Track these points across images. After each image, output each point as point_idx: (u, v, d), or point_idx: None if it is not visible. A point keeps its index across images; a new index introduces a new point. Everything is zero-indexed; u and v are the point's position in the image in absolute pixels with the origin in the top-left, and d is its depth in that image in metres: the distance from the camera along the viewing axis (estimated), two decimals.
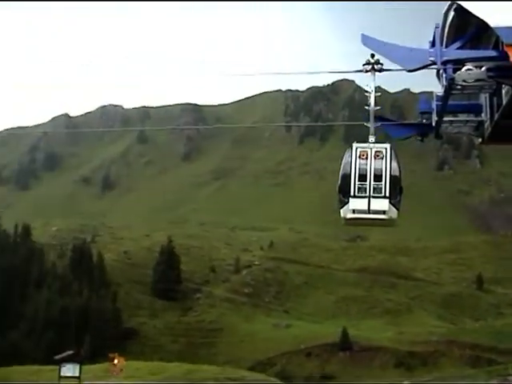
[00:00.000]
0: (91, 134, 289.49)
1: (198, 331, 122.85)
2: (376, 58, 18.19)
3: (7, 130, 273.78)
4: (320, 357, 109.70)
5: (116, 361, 61.61)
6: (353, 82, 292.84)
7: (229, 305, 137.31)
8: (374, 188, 17.56)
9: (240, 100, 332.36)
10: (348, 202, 17.83)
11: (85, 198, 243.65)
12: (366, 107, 18.75)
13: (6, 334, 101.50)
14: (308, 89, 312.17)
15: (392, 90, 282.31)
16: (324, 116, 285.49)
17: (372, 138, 18.53)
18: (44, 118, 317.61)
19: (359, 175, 17.68)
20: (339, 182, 18.25)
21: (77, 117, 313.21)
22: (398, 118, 32.54)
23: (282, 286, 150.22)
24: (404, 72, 17.34)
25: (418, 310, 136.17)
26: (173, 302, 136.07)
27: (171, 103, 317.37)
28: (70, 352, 61.03)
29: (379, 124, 19.09)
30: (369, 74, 18.37)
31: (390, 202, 17.58)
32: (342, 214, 18.12)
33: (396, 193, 17.75)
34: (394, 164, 17.78)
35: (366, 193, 17.63)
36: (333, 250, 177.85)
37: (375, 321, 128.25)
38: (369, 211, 17.56)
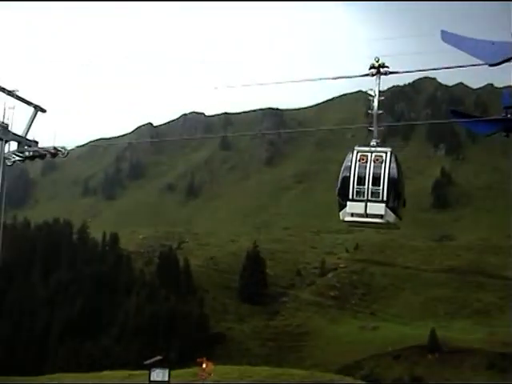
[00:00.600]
0: (174, 142, 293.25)
1: (284, 335, 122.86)
2: (381, 61, 18.35)
3: (92, 141, 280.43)
4: (408, 359, 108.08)
5: (204, 365, 62.03)
6: (434, 79, 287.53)
7: (315, 308, 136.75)
8: (372, 192, 17.69)
9: (320, 103, 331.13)
10: (346, 205, 18.08)
11: (170, 205, 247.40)
12: (369, 111, 19.31)
13: (98, 339, 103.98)
14: (389, 89, 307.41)
15: (474, 86, 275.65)
16: (406, 115, 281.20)
17: (374, 142, 18.67)
18: (128, 128, 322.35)
19: (358, 179, 17.85)
20: (338, 185, 18.50)
21: (160, 126, 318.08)
22: (481, 114, 31.51)
23: (368, 287, 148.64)
24: (486, 67, 16.70)
25: (509, 310, 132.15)
26: (259, 306, 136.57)
27: (252, 109, 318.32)
28: (159, 357, 61.87)
29: (382, 128, 19.12)
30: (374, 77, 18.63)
31: (388, 207, 17.75)
32: (340, 217, 18.40)
33: (395, 197, 17.90)
34: (394, 169, 17.86)
35: (363, 196, 17.78)
36: (419, 251, 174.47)
37: (464, 322, 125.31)
38: (366, 215, 17.76)
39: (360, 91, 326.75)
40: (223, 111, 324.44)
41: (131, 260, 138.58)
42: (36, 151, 27.11)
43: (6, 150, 26.66)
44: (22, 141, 27.07)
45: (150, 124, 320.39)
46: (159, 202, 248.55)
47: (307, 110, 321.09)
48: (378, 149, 18.36)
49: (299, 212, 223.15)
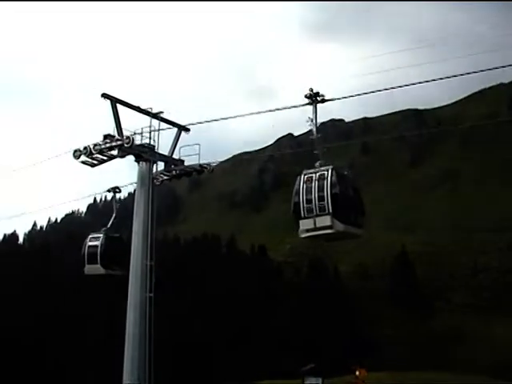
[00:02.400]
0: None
1: (438, 338, 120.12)
2: (315, 90, 21.47)
3: (235, 156, 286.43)
4: None
5: (358, 372, 61.96)
6: None
7: (468, 310, 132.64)
8: (319, 207, 19.97)
9: (459, 100, 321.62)
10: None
11: None
12: (311, 137, 22.14)
13: (251, 349, 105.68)
14: None
15: None
16: None
17: (318, 163, 21.20)
18: (269, 140, 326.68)
19: (306, 199, 20.26)
20: (291, 208, 21.07)
21: (300, 135, 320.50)
22: None
23: None
24: None
25: None
26: (411, 310, 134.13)
27: (391, 111, 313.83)
28: (312, 365, 62.37)
29: (325, 149, 21.78)
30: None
31: (335, 217, 19.87)
32: (300, 235, 20.87)
33: (342, 208, 20.04)
34: (335, 183, 20.05)
35: (313, 213, 20.13)
36: None
37: None
38: (316, 228, 20.08)
39: (501, 84, 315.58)
40: (362, 116, 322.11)
41: (281, 270, 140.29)
42: (182, 170, 28.42)
43: (154, 170, 28.21)
44: (168, 160, 28.48)
45: (291, 134, 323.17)
46: None
47: (446, 108, 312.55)
48: (322, 168, 20.72)
49: (446, 212, 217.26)
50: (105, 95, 26.76)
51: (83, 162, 27.63)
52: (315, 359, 77.39)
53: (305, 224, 20.45)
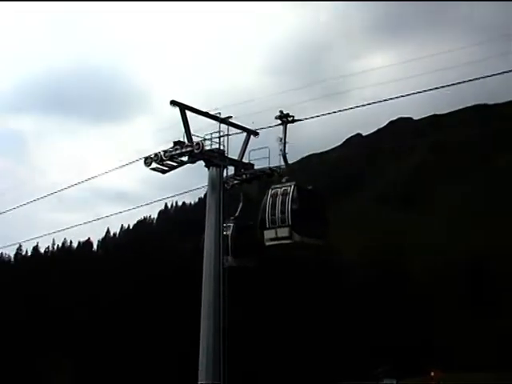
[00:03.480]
0: (384, 150, 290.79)
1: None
2: (286, 111, 24.19)
3: (304, 158, 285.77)
4: None
5: (433, 373, 61.18)
6: None
7: None
8: (281, 220, 22.32)
9: None
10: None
11: (384, 214, 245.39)
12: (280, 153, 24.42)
13: (327, 350, 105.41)
14: None
15: None
16: None
17: (284, 179, 23.64)
18: (338, 140, 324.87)
19: (271, 212, 22.74)
20: (259, 218, 23.67)
21: (369, 135, 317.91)
22: None
23: None
24: None
25: None
26: (483, 310, 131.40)
27: (461, 107, 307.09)
28: (387, 367, 61.89)
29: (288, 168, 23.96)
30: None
31: (294, 229, 22.15)
32: (265, 243, 23.20)
33: (301, 221, 22.24)
34: (296, 198, 22.26)
35: (275, 224, 22.56)
36: None
37: None
38: (277, 238, 22.42)
39: None
40: (431, 113, 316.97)
41: (350, 271, 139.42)
42: (252, 173, 28.53)
43: (224, 175, 28.42)
44: (238, 164, 28.65)
45: (359, 134, 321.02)
46: (373, 212, 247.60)
47: None
48: (286, 184, 23.04)
49: None
50: (173, 102, 27.15)
51: (154, 169, 28.13)
52: (388, 361, 76.93)
53: (268, 234, 22.93)
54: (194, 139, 27.11)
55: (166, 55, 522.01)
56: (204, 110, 28.19)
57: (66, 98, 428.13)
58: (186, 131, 27.18)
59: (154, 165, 27.73)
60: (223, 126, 28.19)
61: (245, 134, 29.13)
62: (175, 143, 27.09)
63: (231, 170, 28.76)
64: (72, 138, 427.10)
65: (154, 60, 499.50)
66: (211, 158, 27.37)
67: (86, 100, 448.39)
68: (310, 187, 24.55)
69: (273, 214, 22.74)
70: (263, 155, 28.11)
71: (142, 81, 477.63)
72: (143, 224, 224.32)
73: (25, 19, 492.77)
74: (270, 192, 23.39)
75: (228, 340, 26.07)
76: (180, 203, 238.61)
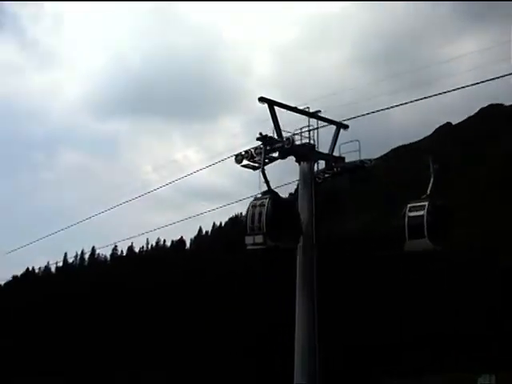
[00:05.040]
0: (475, 139, 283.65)
1: None
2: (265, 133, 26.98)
3: (393, 149, 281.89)
4: None
5: None
6: None
7: None
8: (258, 228, 25.49)
9: None
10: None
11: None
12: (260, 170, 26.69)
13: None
14: None
15: None
16: None
17: (259, 194, 26.36)
18: (427, 130, 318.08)
19: (251, 221, 25.78)
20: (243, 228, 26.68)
21: (459, 124, 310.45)
22: None
23: None
24: None
25: None
26: None
27: None
28: (486, 360, 60.47)
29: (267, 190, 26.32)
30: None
31: (269, 236, 25.34)
32: (247, 247, 26.28)
33: (275, 229, 25.46)
34: (270, 210, 25.35)
35: (254, 231, 25.68)
36: None
37: None
38: (254, 244, 25.73)
39: None
40: None
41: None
42: (343, 167, 28.38)
43: (315, 169, 28.35)
44: (328, 158, 28.53)
45: (449, 123, 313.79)
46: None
47: None
48: (264, 196, 25.98)
49: None
50: (262, 98, 27.25)
51: (245, 166, 28.35)
52: (486, 354, 75.20)
53: (247, 240, 26.02)
54: (284, 135, 27.13)
55: (252, 51, 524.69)
56: (292, 104, 28.19)
57: (156, 98, 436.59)
58: (275, 127, 27.25)
59: (244, 162, 27.91)
60: (312, 120, 28.18)
61: (334, 127, 29.02)
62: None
63: (322, 164, 28.72)
64: (162, 138, 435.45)
65: (241, 57, 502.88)
66: (302, 153, 27.36)
67: (175, 100, 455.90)
68: (286, 197, 28.70)
69: (251, 223, 25.90)
70: (354, 148, 28.04)
71: (229, 78, 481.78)
72: (235, 221, 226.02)
73: (116, 20, 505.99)
74: (251, 203, 26.38)
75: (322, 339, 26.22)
76: None
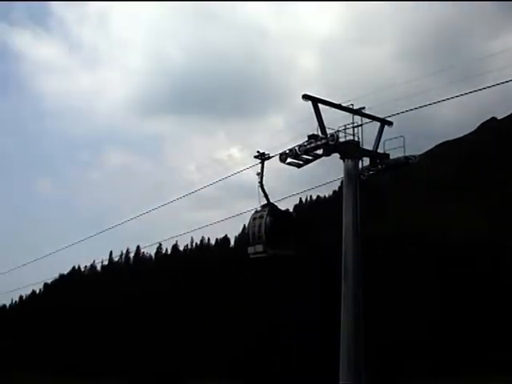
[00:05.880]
0: None
1: None
2: (262, 151, 29.21)
3: (437, 145, 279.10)
4: None
5: None
6: None
7: None
8: (258, 237, 27.87)
9: None
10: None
11: None
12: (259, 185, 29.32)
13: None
14: None
15: None
16: None
17: (259, 207, 28.81)
18: (473, 125, 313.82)
19: (252, 232, 28.24)
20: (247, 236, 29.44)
21: (504, 118, 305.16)
22: None
23: None
24: None
25: None
26: None
27: None
28: None
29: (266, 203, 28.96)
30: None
31: (268, 245, 27.60)
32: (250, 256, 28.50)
33: (273, 239, 27.66)
34: (268, 221, 27.65)
35: (255, 241, 28.00)
36: None
37: None
38: (256, 253, 27.99)
39: None
40: None
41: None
42: (388, 163, 28.14)
43: (360, 166, 28.18)
44: (373, 155, 28.32)
45: (494, 118, 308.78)
46: None
47: None
48: (264, 209, 28.40)
49: None
50: (306, 96, 27.16)
51: (289, 164, 28.37)
52: None
53: (250, 249, 28.23)
54: (328, 132, 27.01)
55: (296, 48, 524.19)
56: (337, 101, 28.05)
57: (200, 97, 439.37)
58: (319, 124, 27.12)
59: (289, 160, 27.93)
60: (357, 117, 28.03)
61: (378, 123, 28.82)
62: (309, 137, 27.13)
63: (366, 161, 28.53)
64: (207, 136, 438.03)
65: (285, 54, 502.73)
66: (346, 150, 27.22)
67: (219, 98, 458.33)
68: (285, 209, 29.96)
69: (253, 234, 28.19)
70: (398, 144, 27.82)
71: (273, 76, 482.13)
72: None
73: (160, 20, 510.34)
74: (252, 216, 28.72)
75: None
76: (314, 197, 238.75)
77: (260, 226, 28.02)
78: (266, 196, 29.14)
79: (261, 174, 29.30)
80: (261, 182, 29.25)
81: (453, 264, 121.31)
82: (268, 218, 27.91)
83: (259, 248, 27.94)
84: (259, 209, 28.90)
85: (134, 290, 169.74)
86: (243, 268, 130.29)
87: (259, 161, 29.41)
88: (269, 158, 29.32)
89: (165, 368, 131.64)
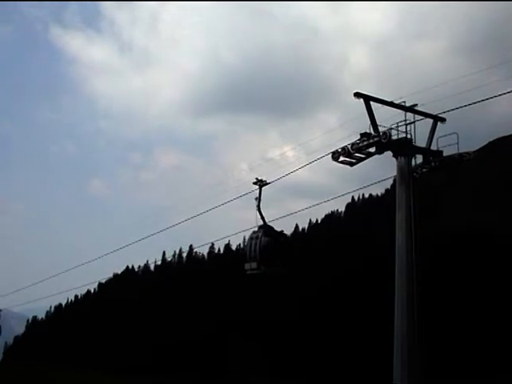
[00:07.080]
0: None
1: None
2: (260, 177, 32.63)
3: (492, 141, 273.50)
4: None
5: None
6: None
7: None
8: (254, 256, 30.94)
9: None
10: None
11: None
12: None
13: None
14: None
15: None
16: None
17: (256, 228, 31.93)
18: None
19: (249, 250, 31.35)
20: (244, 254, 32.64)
21: None
22: None
23: None
24: None
25: None
26: None
27: None
28: None
29: (262, 224, 32.26)
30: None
31: (262, 263, 30.73)
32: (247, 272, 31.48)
33: (267, 257, 30.73)
34: (263, 241, 30.81)
35: (251, 259, 31.01)
36: None
37: None
38: (251, 269, 31.04)
39: None
40: None
41: None
42: (441, 161, 27.85)
43: (413, 164, 27.94)
44: (426, 152, 28.09)
45: None
46: None
47: None
48: (259, 229, 31.63)
49: None
50: (357, 94, 27.07)
51: (342, 162, 28.33)
52: None
53: (246, 266, 31.23)
54: (380, 130, 26.90)
55: (349, 45, 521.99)
56: (389, 99, 27.94)
57: (253, 97, 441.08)
58: (371, 122, 27.03)
59: (341, 158, 27.93)
60: (409, 115, 27.86)
61: (431, 120, 28.58)
62: (362, 135, 27.03)
63: (419, 158, 28.32)
64: (260, 136, 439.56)
65: (338, 51, 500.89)
66: (399, 148, 27.08)
67: (272, 98, 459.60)
68: (279, 230, 32.49)
69: (250, 252, 31.16)
70: (452, 141, 27.53)
71: (325, 74, 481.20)
72: (331, 218, 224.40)
73: (212, 21, 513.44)
74: (250, 236, 31.83)
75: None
76: (367, 195, 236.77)
77: (256, 245, 31.22)
78: (262, 218, 32.54)
79: (258, 199, 32.67)
80: (258, 206, 32.62)
81: None
82: (263, 239, 31.18)
83: (254, 265, 31.11)
84: (256, 229, 32.02)
85: (188, 288, 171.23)
86: None
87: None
88: (266, 184, 32.88)
89: (224, 367, 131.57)
